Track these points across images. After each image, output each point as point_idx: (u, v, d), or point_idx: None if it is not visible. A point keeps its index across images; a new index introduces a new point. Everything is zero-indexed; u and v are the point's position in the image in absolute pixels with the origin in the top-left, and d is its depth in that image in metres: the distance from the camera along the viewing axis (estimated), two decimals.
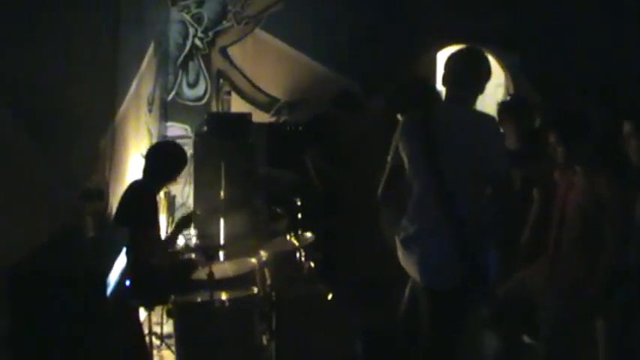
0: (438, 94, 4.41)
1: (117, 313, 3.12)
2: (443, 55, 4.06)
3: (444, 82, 3.98)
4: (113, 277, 3.16)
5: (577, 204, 4.30)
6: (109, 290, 3.02)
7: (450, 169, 3.74)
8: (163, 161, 5.34)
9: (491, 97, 9.06)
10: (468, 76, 3.90)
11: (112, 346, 3.10)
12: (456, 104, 3.90)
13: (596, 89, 7.41)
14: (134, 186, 5.30)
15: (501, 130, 4.36)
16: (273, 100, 8.09)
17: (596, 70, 7.71)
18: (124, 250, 3.47)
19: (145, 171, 5.37)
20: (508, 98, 6.78)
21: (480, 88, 3.95)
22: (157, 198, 5.43)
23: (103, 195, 3.54)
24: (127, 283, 3.48)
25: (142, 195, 5.17)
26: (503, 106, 5.65)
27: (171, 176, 5.38)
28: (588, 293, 4.16)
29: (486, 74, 3.96)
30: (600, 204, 4.16)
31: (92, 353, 2.90)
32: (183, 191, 5.85)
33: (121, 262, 3.36)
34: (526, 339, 4.92)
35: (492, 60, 8.21)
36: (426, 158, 3.78)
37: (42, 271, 3.01)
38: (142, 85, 6.70)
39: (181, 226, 5.46)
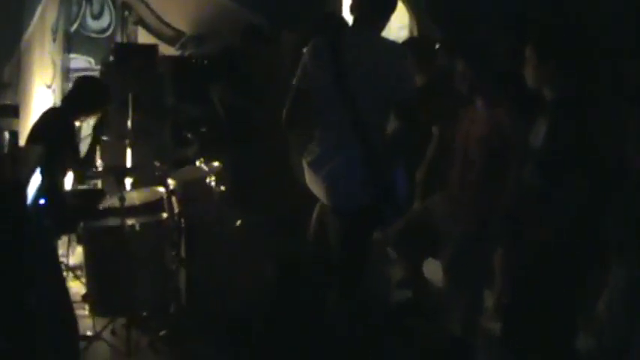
0: (346, 23, 4.45)
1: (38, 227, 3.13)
2: None
3: (352, 10, 3.95)
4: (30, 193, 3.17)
5: (480, 137, 4.40)
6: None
7: (358, 92, 3.75)
8: (88, 95, 5.39)
9: (395, 39, 9.21)
10: (376, 2, 3.93)
11: (37, 257, 3.12)
12: (364, 30, 3.91)
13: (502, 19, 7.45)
14: (51, 110, 5.38)
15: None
16: (179, 33, 7.99)
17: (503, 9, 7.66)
18: (39, 169, 3.46)
19: (67, 99, 5.46)
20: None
21: (387, 16, 3.96)
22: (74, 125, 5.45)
23: (17, 111, 3.49)
24: (42, 201, 3.48)
25: (59, 118, 5.22)
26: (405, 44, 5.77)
27: (89, 111, 5.45)
28: (493, 219, 4.29)
29: (393, 2, 3.99)
30: (502, 134, 4.29)
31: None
32: (88, 122, 5.78)
33: (35, 180, 3.35)
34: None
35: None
36: (335, 80, 3.77)
37: None
38: (47, 13, 6.54)
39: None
